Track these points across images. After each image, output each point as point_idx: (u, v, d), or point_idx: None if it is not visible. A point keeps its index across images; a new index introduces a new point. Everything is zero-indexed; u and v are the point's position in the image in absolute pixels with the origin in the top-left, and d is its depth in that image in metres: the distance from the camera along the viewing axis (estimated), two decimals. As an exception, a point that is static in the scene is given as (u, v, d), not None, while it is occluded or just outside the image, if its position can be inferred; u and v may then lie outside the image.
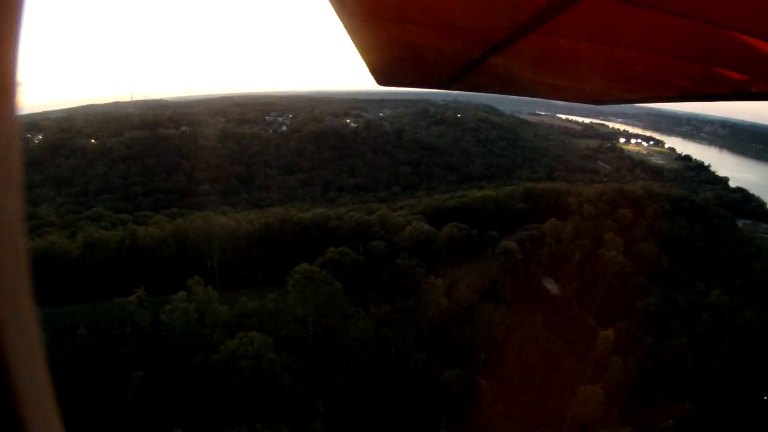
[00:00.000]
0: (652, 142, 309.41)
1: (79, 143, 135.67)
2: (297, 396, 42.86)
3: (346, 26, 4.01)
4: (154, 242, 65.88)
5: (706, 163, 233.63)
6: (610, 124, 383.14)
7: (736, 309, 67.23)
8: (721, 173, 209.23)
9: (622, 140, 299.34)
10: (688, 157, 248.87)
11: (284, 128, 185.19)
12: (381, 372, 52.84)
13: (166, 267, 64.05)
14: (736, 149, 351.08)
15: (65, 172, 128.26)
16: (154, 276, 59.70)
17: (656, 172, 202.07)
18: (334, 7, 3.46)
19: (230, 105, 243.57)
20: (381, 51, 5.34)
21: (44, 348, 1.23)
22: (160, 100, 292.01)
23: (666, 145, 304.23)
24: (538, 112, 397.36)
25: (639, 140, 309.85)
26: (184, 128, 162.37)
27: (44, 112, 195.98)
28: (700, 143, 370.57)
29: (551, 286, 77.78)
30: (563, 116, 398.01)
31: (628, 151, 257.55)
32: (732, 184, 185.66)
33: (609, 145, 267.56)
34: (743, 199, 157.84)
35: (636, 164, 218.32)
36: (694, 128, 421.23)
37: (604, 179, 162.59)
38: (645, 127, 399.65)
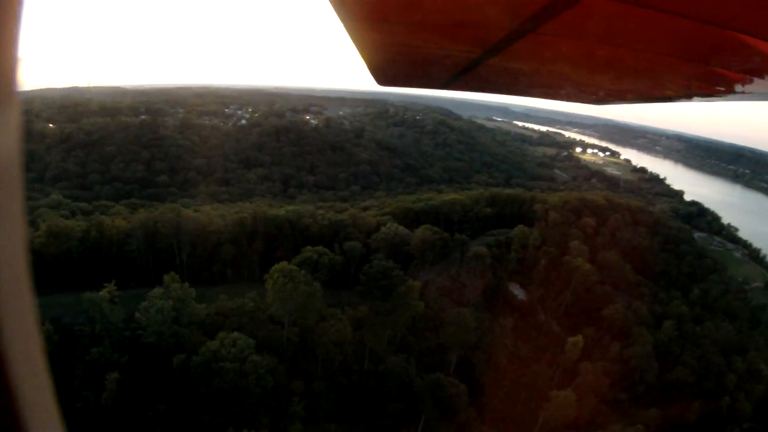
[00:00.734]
0: (608, 153, 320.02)
1: (36, 127, 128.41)
2: (276, 399, 41.98)
3: (345, 26, 3.98)
4: (120, 234, 63.17)
5: (661, 176, 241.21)
6: (566, 133, 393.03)
7: (697, 319, 70.58)
8: (676, 186, 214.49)
9: (578, 149, 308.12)
10: (643, 169, 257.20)
11: (243, 122, 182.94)
12: (357, 374, 52.55)
13: (133, 260, 61.72)
14: (691, 163, 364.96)
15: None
16: (121, 269, 57.32)
17: (612, 182, 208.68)
18: (333, 7, 3.42)
19: (189, 96, 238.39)
20: (381, 51, 5.30)
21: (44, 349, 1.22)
22: (118, 87, 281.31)
23: (622, 156, 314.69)
24: (494, 117, 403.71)
25: (595, 150, 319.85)
26: (143, 117, 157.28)
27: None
28: (656, 156, 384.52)
29: (517, 292, 79.28)
30: (519, 123, 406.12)
31: (585, 160, 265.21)
32: (686, 197, 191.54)
33: (566, 153, 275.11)
34: (699, 212, 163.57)
35: (593, 174, 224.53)
36: (650, 141, 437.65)
37: (561, 187, 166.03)
38: (601, 138, 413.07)
